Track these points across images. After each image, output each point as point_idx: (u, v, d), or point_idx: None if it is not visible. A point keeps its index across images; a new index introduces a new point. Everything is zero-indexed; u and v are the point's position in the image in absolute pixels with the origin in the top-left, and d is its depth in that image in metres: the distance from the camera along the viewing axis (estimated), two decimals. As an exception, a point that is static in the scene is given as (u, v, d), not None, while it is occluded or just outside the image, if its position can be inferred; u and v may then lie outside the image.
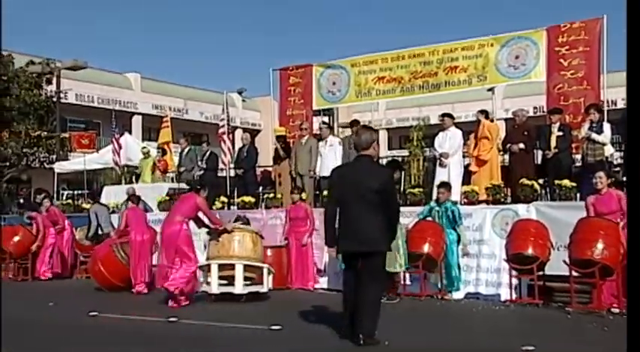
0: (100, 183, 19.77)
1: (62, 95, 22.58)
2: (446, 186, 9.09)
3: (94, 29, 70.83)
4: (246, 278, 8.62)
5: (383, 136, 40.95)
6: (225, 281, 8.71)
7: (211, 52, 77.03)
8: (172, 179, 15.65)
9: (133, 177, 16.19)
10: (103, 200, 13.56)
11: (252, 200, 11.87)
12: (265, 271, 8.83)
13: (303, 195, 10.61)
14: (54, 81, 21.69)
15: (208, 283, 8.75)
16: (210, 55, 76.97)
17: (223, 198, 12.30)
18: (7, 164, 21.90)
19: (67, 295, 10.19)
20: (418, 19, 74.17)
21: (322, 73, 12.78)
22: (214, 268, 8.58)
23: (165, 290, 8.21)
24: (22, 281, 12.11)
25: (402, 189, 11.52)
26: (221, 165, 13.39)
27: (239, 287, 8.50)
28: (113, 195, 13.68)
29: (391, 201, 5.54)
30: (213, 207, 12.07)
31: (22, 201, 20.11)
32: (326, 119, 16.43)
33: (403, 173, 12.19)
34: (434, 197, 9.43)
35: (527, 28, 10.78)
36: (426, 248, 8.48)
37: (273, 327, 6.46)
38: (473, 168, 10.33)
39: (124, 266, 10.06)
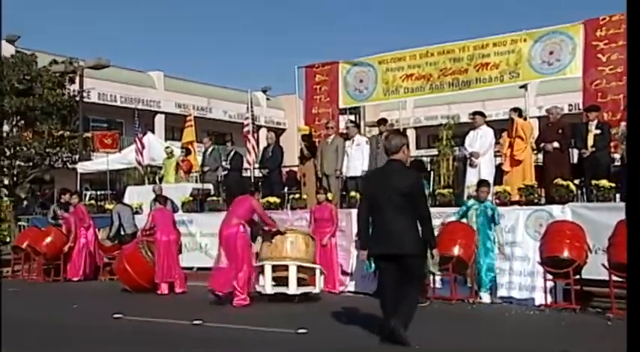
0: (122, 184, 20.06)
1: (85, 94, 22.92)
2: (487, 184, 8.99)
3: (116, 27, 71.86)
4: (298, 279, 8.83)
5: (411, 135, 40.78)
6: (274, 283, 8.96)
7: (235, 49, 77.61)
8: (196, 179, 15.79)
9: (157, 177, 16.37)
10: (126, 200, 13.75)
11: (278, 200, 11.91)
12: (317, 272, 9.09)
13: (329, 196, 10.62)
14: (77, 80, 22.05)
15: (261, 284, 8.96)
16: (234, 52, 77.55)
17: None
18: (31, 164, 22.33)
19: (91, 297, 10.37)
20: (447, 17, 73.77)
21: (349, 71, 12.78)
22: (268, 269, 8.83)
23: (219, 291, 8.54)
24: (53, 283, 12.31)
25: (430, 189, 11.48)
26: (245, 165, 13.47)
27: (292, 288, 8.72)
28: (136, 195, 13.86)
29: (420, 204, 5.72)
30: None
31: (43, 201, 20.55)
32: (352, 117, 16.40)
33: (432, 173, 12.15)
34: (465, 197, 9.35)
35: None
36: (457, 250, 8.43)
37: (300, 331, 6.49)
38: (505, 167, 10.23)
39: (149, 266, 10.18)
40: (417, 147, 39.71)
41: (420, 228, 5.66)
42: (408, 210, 5.62)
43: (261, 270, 8.99)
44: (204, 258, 12.15)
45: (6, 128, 22.18)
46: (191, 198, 13.09)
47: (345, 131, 12.74)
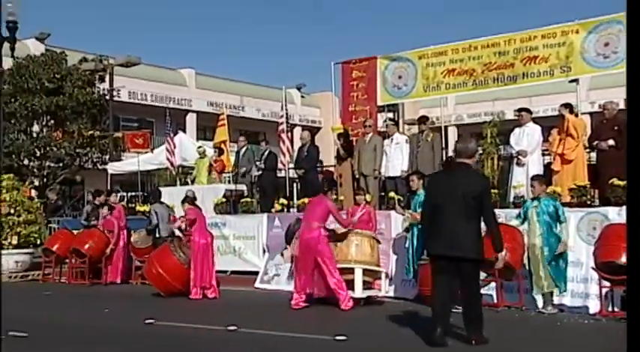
0: (153, 185, 20.36)
1: (115, 93, 23.36)
2: (538, 178, 8.66)
3: (147, 24, 73.01)
4: (363, 283, 8.94)
5: (452, 133, 40.50)
6: None
7: (269, 45, 78.06)
8: (229, 180, 15.92)
9: (188, 178, 16.55)
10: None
11: (314, 202, 11.91)
12: (383, 276, 9.22)
13: (367, 197, 10.60)
14: (107, 78, 22.48)
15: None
16: (268, 48, 78.02)
17: (283, 200, 12.44)
18: (61, 165, 22.83)
19: (122, 301, 10.57)
20: (490, 7, 72.91)
21: (387, 66, 12.74)
22: None
23: (307, 295, 8.72)
24: (84, 286, 12.55)
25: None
26: (279, 165, 13.54)
27: (358, 292, 8.78)
28: (167, 196, 14.01)
29: (488, 209, 6.07)
30: (272, 210, 12.26)
31: (74, 203, 21.00)
32: (391, 115, 16.36)
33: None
34: (511, 198, 9.21)
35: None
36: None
37: (338, 337, 6.49)
38: (555, 167, 10.05)
39: (183, 268, 10.31)
40: (459, 146, 39.37)
41: (480, 233, 5.98)
42: (473, 214, 5.90)
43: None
44: (238, 261, 12.29)
45: (36, 128, 22.71)
46: (224, 200, 13.21)
47: (383, 129, 12.68)
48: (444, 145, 11.91)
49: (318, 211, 8.88)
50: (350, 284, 8.90)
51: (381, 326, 7.50)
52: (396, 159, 11.49)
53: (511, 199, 10.12)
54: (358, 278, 8.91)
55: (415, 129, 14.03)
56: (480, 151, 12.52)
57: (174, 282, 10.35)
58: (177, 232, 11.06)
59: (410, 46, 12.99)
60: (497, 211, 9.26)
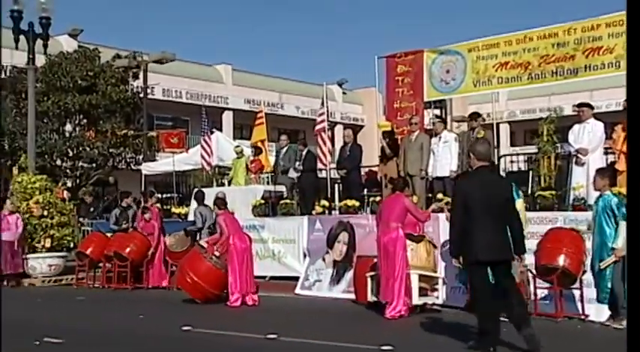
0: (189, 186, 20.62)
1: (149, 90, 23.74)
2: (603, 172, 8.20)
3: (181, 19, 74.03)
4: (419, 289, 8.99)
5: (505, 131, 40.06)
6: None
7: (308, 39, 78.33)
8: (268, 181, 16.03)
9: (225, 179, 16.71)
10: (193, 204, 14.13)
11: (357, 204, 11.94)
12: (440, 282, 9.23)
13: (414, 199, 10.56)
14: (140, 75, 22.86)
15: (378, 293, 9.16)
16: (307, 43, 78.28)
17: (324, 202, 12.47)
18: (94, 165, 23.32)
19: (158, 306, 10.75)
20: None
21: (434, 60, 12.64)
22: None
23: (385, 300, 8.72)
24: (138, 290, 12.79)
25: (530, 191, 11.20)
26: (320, 165, 13.58)
27: (415, 298, 8.80)
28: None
29: (514, 210, 6.52)
30: (313, 212, 12.30)
31: (108, 205, 21.39)
32: (438, 112, 16.25)
33: (531, 173, 11.86)
34: (571, 200, 9.03)
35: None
36: (562, 260, 8.17)
37: (384, 348, 6.48)
38: (620, 166, 9.81)
39: (219, 272, 10.40)
40: (512, 144, 38.94)
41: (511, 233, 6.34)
42: (504, 217, 6.30)
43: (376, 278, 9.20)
44: (277, 266, 12.36)
45: (69, 127, 23.25)
46: (262, 202, 13.31)
47: (430, 127, 12.60)
48: (495, 144, 11.77)
49: (395, 211, 8.85)
50: (405, 291, 8.88)
51: (431, 336, 7.46)
52: (444, 158, 11.40)
53: (570, 201, 9.94)
54: (414, 284, 8.90)
55: (464, 126, 13.87)
56: (536, 150, 12.37)
57: (211, 288, 10.46)
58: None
59: (457, 39, 12.91)
60: (555, 214, 9.21)
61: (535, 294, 8.52)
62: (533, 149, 14.01)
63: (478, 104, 31.23)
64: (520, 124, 38.94)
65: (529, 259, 8.78)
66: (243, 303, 10.19)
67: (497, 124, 26.81)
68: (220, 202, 10.86)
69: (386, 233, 8.80)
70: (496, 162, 11.57)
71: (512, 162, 14.72)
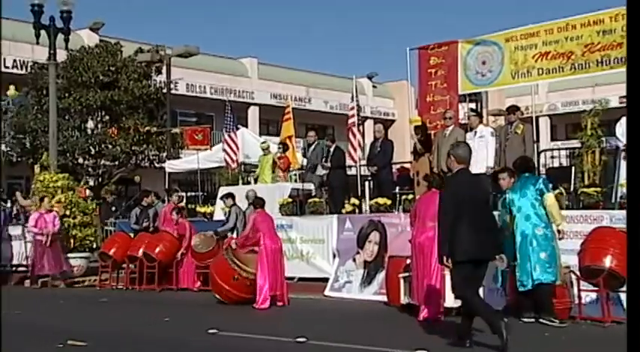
0: (214, 184, 20.77)
1: (172, 85, 23.93)
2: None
3: (205, 11, 74.49)
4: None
5: (545, 124, 39.66)
6: None
7: (336, 31, 78.27)
8: (296, 178, 16.07)
9: (251, 177, 16.78)
10: (219, 203, 14.24)
11: (388, 202, 11.92)
12: None
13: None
14: (163, 70, 23.06)
15: (411, 294, 9.19)
16: (335, 34, 78.28)
17: (354, 200, 12.48)
18: (116, 163, 23.60)
19: (183, 309, 10.87)
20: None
21: (470, 51, 12.54)
22: None
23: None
24: (163, 292, 12.97)
25: (572, 188, 11.08)
26: (350, 162, 13.58)
27: (449, 300, 8.73)
28: (230, 196, 14.28)
29: (491, 210, 7.20)
30: (343, 211, 12.32)
31: (131, 204, 21.63)
32: (473, 105, 16.15)
33: (574, 169, 11.71)
34: (618, 198, 8.90)
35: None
36: (608, 261, 8.05)
37: (418, 352, 6.48)
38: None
39: (246, 279, 10.51)
40: (552, 139, 38.53)
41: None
42: (487, 217, 6.90)
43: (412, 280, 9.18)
44: (306, 266, 12.39)
45: (90, 124, 23.56)
46: (290, 200, 13.35)
47: (465, 121, 12.52)
48: (535, 138, 11.65)
49: (432, 209, 8.64)
50: (441, 293, 8.88)
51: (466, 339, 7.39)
52: (480, 154, 11.27)
53: (617, 199, 9.79)
54: (449, 285, 8.84)
55: (500, 120, 13.75)
56: (579, 144, 12.21)
57: (241, 293, 10.59)
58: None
59: (493, 29, 12.77)
60: (600, 213, 9.07)
61: (579, 297, 8.39)
62: (575, 144, 13.84)
63: (516, 97, 30.92)
64: (561, 117, 38.52)
65: (572, 260, 8.74)
66: (274, 305, 10.26)
67: (537, 118, 26.52)
68: (257, 201, 11.02)
69: (422, 232, 8.75)
70: (535, 158, 11.45)
71: (552, 157, 14.57)
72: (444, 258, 6.75)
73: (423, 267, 8.70)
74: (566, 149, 14.76)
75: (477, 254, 6.67)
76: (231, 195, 13.48)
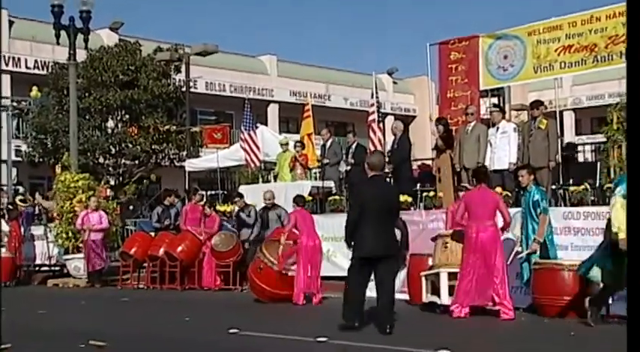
0: (234, 182, 20.81)
1: (192, 84, 24.02)
2: (527, 168, 9.03)
3: (222, 9, 74.67)
4: None
5: (569, 119, 39.26)
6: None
7: (356, 26, 78.05)
8: (315, 176, 16.05)
9: (271, 175, 16.77)
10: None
11: (409, 199, 11.87)
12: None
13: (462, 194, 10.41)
14: (182, 68, 23.15)
15: (434, 293, 9.21)
16: (355, 30, 78.07)
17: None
18: (136, 163, 23.75)
19: (206, 308, 10.92)
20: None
21: (491, 46, 12.47)
22: (444, 277, 9.02)
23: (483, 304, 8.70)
24: (186, 290, 13.07)
25: (597, 184, 10.96)
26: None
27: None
28: (250, 194, 14.31)
29: (399, 213, 8.39)
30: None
31: (152, 203, 21.78)
32: (495, 100, 16.02)
33: (599, 164, 11.58)
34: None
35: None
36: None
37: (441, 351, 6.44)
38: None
39: (273, 272, 10.59)
40: (577, 133, 38.12)
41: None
42: (392, 220, 7.89)
43: (435, 278, 9.17)
44: (327, 265, 12.32)
45: (111, 124, 23.73)
46: (310, 198, 13.34)
47: (487, 116, 12.43)
48: (559, 133, 11.52)
49: (489, 207, 8.70)
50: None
51: (490, 338, 7.36)
52: (502, 150, 11.23)
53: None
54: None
55: (523, 115, 13.62)
56: (604, 139, 12.08)
57: (278, 290, 10.66)
58: None
59: (514, 23, 12.69)
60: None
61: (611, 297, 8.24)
62: (601, 138, 13.69)
63: (539, 91, 30.57)
64: (586, 111, 38.11)
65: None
66: (309, 302, 10.37)
67: (561, 112, 26.27)
68: (298, 200, 11.15)
69: (481, 230, 8.58)
70: (560, 153, 11.33)
71: (577, 152, 14.43)
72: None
73: (486, 268, 8.55)
74: (591, 144, 14.61)
75: (374, 252, 7.62)
76: (239, 195, 13.58)
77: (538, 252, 8.85)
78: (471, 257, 8.61)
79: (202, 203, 14.08)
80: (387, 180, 8.55)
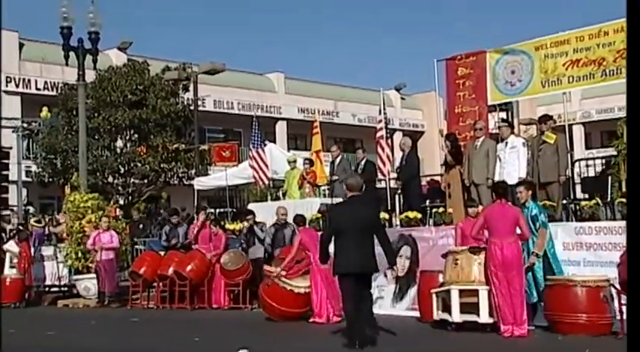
0: (242, 200, 20.75)
1: (200, 102, 24.10)
2: (525, 185, 9.18)
3: (230, 27, 75.15)
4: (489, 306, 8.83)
5: (578, 132, 39.13)
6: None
7: (363, 43, 78.36)
8: (324, 193, 15.99)
9: (280, 192, 16.73)
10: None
11: (418, 215, 11.81)
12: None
13: (481, 209, 10.34)
14: (190, 87, 23.25)
15: (444, 310, 9.13)
16: (362, 46, 78.37)
17: (384, 215, 12.36)
18: (145, 182, 23.78)
19: (217, 328, 10.83)
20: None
21: (498, 61, 12.44)
22: (455, 294, 8.93)
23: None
24: (196, 310, 13.03)
25: (609, 198, 10.85)
26: (379, 175, 13.47)
27: (484, 316, 8.65)
28: (259, 212, 14.24)
29: (382, 230, 8.39)
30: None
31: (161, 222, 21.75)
32: (504, 115, 15.98)
33: (610, 178, 11.47)
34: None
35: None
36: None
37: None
38: None
39: (283, 290, 10.56)
40: (587, 147, 37.95)
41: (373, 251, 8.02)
42: (371, 237, 7.99)
43: (446, 295, 9.12)
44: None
45: (119, 143, 23.81)
46: (319, 215, 13.28)
47: (495, 131, 12.37)
48: (568, 147, 11.45)
49: (511, 222, 8.66)
50: (474, 308, 8.77)
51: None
52: (511, 165, 11.15)
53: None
54: (484, 301, 8.74)
55: (532, 129, 13.55)
56: (615, 152, 11.97)
57: (288, 308, 10.65)
58: None
59: (521, 38, 12.67)
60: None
61: (621, 311, 8.12)
62: (611, 152, 13.59)
63: (548, 105, 30.54)
64: (596, 125, 37.99)
65: (612, 273, 8.53)
66: (329, 321, 10.30)
67: (570, 126, 26.18)
68: (299, 219, 11.24)
69: (505, 246, 8.53)
70: (570, 167, 11.25)
71: (587, 166, 14.32)
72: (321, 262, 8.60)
73: (509, 284, 8.47)
74: (601, 158, 14.50)
75: (353, 268, 7.88)
76: (251, 212, 13.55)
77: (541, 267, 8.91)
78: (501, 276, 8.49)
79: (207, 221, 14.01)
80: (371, 199, 9.24)
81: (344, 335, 8.13)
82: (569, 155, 11.41)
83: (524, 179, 10.45)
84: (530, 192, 9.28)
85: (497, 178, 11.29)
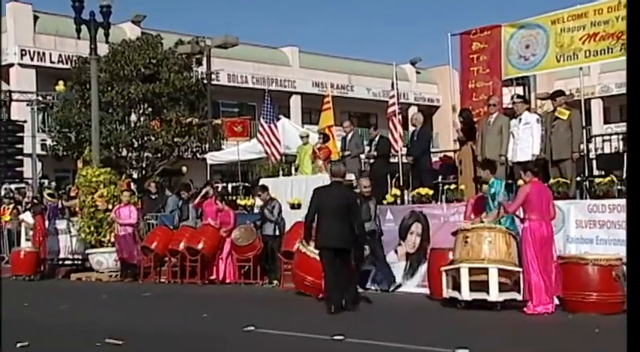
0: (255, 175, 20.74)
1: (213, 76, 24.00)
2: (488, 165, 9.57)
3: (243, 0, 74.56)
4: (499, 284, 8.78)
5: (597, 107, 38.65)
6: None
7: (379, 16, 77.60)
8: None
9: (292, 168, 16.67)
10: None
11: (430, 192, 11.70)
12: (522, 276, 8.91)
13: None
14: (204, 61, 23.14)
15: (454, 288, 9.09)
16: (378, 20, 77.58)
17: (395, 191, 12.29)
18: (159, 156, 23.84)
19: (227, 303, 10.87)
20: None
21: (513, 35, 12.20)
22: (464, 272, 8.90)
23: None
24: (205, 285, 13.05)
25: (625, 175, 10.68)
26: (392, 151, 13.36)
27: (494, 294, 8.64)
28: (271, 188, 14.20)
29: (357, 213, 9.27)
30: (384, 202, 12.12)
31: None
32: (520, 90, 15.73)
33: (626, 155, 11.29)
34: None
35: None
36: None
37: (458, 351, 6.30)
38: None
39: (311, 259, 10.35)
40: (606, 121, 37.50)
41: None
42: (347, 218, 8.94)
43: (455, 273, 9.08)
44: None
45: (133, 117, 23.83)
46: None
47: (510, 106, 12.20)
48: (584, 123, 11.25)
49: (547, 201, 8.73)
50: (484, 286, 8.74)
51: (511, 335, 7.21)
52: (525, 141, 10.99)
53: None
54: (493, 279, 8.70)
55: (548, 105, 13.33)
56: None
57: (315, 278, 10.39)
58: None
59: (538, 11, 12.40)
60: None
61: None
62: (629, 126, 13.35)
63: (567, 79, 30.17)
64: (615, 99, 37.45)
65: (625, 251, 8.40)
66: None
67: (589, 100, 25.79)
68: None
69: (544, 224, 8.57)
70: (585, 144, 11.07)
71: (604, 141, 14.12)
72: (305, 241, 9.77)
73: (545, 262, 8.46)
74: (620, 134, 14.27)
75: (331, 243, 8.92)
76: (265, 189, 13.46)
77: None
78: (540, 250, 8.47)
79: (213, 196, 13.93)
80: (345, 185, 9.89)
81: (327, 303, 8.85)
82: (584, 131, 11.22)
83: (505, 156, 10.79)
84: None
85: (510, 155, 11.18)
